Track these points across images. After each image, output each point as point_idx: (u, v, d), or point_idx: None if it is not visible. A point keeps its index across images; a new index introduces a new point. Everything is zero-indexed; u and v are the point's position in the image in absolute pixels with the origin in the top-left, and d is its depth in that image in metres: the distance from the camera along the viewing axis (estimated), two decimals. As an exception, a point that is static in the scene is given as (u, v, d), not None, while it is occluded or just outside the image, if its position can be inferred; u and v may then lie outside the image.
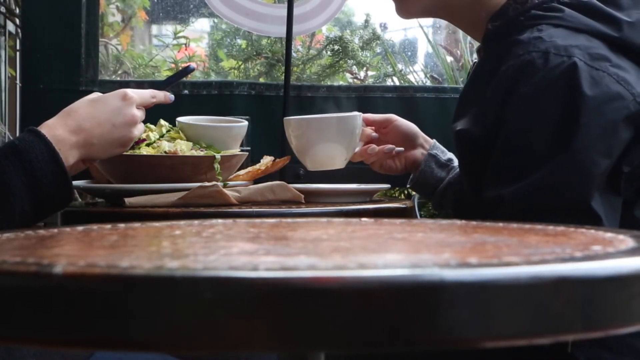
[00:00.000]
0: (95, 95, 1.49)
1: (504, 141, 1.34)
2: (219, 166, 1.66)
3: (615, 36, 1.37)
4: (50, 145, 1.33)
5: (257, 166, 1.81)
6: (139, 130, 1.49)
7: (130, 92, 1.48)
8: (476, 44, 1.64)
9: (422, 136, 1.81)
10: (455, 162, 1.78)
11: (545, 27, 1.38)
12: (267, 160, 1.81)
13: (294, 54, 3.24)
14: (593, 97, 1.29)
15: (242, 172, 1.79)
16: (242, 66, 3.52)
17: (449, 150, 1.81)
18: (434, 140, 1.82)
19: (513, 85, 1.33)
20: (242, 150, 1.78)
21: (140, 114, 1.49)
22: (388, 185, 1.88)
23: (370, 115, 1.78)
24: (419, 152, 1.79)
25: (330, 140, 1.70)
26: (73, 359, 1.34)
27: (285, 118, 1.78)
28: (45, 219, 1.38)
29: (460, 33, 3.53)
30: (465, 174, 1.49)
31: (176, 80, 1.77)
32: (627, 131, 1.31)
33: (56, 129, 1.37)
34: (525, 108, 1.32)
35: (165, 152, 1.67)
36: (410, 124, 1.80)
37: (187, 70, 1.77)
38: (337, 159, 1.72)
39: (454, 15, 1.57)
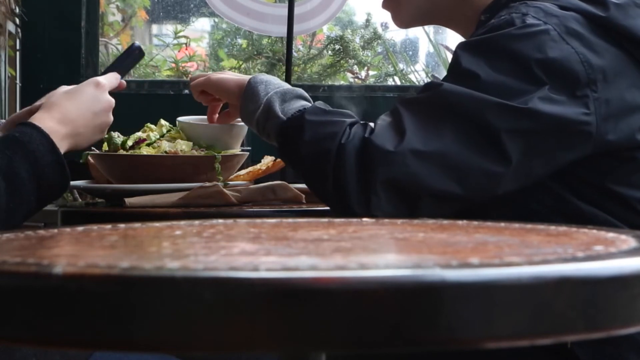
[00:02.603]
0: (66, 87, 1.52)
1: (459, 62, 1.34)
2: (219, 166, 1.66)
3: (602, 16, 1.38)
4: (48, 136, 1.36)
5: (257, 166, 1.81)
6: (111, 115, 1.53)
7: (101, 79, 1.52)
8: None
9: None
10: None
11: (532, 2, 1.40)
12: (267, 160, 1.81)
13: (294, 54, 3.24)
14: (552, 60, 1.31)
15: (243, 172, 1.79)
16: (243, 66, 3.52)
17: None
18: None
19: (485, 34, 1.36)
20: (242, 150, 1.78)
21: (112, 99, 1.52)
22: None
23: None
24: None
25: None
26: (73, 358, 1.34)
27: None
28: (41, 209, 1.39)
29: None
30: None
31: (128, 63, 1.77)
32: None
33: (46, 122, 1.39)
34: (488, 48, 1.34)
35: (165, 152, 1.67)
36: None
37: (132, 49, 1.78)
38: None
39: (447, 19, 1.59)
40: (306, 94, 1.49)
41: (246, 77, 1.55)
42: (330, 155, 1.32)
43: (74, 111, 1.44)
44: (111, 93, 1.55)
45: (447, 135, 1.30)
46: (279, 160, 1.81)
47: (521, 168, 1.32)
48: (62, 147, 1.39)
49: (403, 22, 1.64)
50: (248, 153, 1.80)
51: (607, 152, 1.36)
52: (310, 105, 1.44)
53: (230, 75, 1.62)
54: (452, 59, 1.39)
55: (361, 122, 1.36)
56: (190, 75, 1.70)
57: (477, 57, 1.34)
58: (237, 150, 1.76)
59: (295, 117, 1.40)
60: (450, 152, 1.29)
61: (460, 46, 1.38)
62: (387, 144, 1.28)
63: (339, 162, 1.31)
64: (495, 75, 1.31)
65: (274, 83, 1.50)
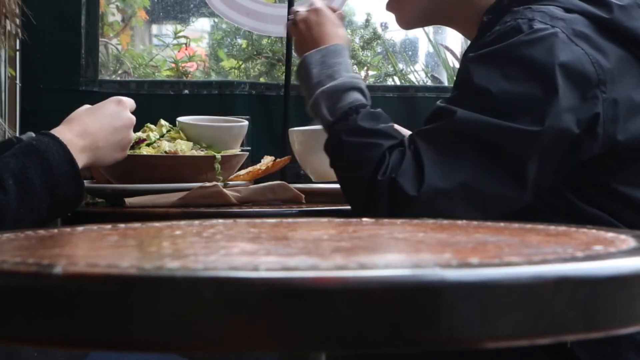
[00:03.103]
0: (87, 105, 1.54)
1: (470, 76, 1.34)
2: (219, 166, 1.66)
3: (606, 18, 1.38)
4: (65, 147, 1.36)
5: (257, 166, 1.81)
6: (132, 133, 1.54)
7: (123, 98, 1.53)
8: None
9: None
10: None
11: (536, 5, 1.40)
12: (267, 160, 1.81)
13: (294, 54, 3.24)
14: (564, 62, 1.31)
15: (243, 172, 1.79)
16: (243, 66, 3.52)
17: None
18: None
19: (494, 43, 1.36)
20: (242, 150, 1.78)
21: (133, 117, 1.53)
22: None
23: None
24: None
25: None
26: (75, 356, 1.35)
27: (289, 129, 1.79)
28: (54, 220, 1.39)
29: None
30: None
31: None
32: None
33: (64, 134, 1.40)
34: (500, 59, 1.34)
35: (165, 152, 1.67)
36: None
37: None
38: None
39: (449, 19, 1.60)
40: (357, 83, 1.47)
41: (323, 41, 1.52)
42: (363, 184, 1.33)
43: (94, 125, 1.45)
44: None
45: (466, 165, 1.30)
46: (278, 160, 1.81)
47: (536, 183, 1.32)
48: (81, 159, 1.40)
49: (406, 23, 1.65)
50: (248, 153, 1.80)
51: (614, 152, 1.36)
52: (357, 100, 1.43)
53: (317, 29, 1.55)
54: (463, 73, 1.38)
55: (400, 145, 1.35)
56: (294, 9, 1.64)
57: (489, 69, 1.33)
58: (236, 150, 1.76)
59: (334, 131, 1.41)
60: (471, 182, 1.29)
61: (471, 60, 1.37)
62: (409, 189, 1.28)
63: (371, 195, 1.32)
64: (509, 85, 1.31)
65: (328, 64, 1.48)
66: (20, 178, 1.30)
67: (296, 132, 1.77)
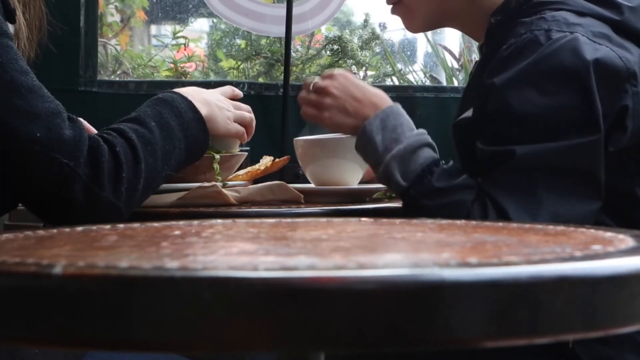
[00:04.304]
0: None
1: (508, 104, 1.34)
2: (218, 166, 1.66)
3: (617, 19, 1.39)
4: (187, 98, 1.48)
5: (256, 166, 1.81)
6: (234, 125, 1.61)
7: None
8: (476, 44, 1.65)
9: None
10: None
11: (548, 12, 1.40)
12: (266, 160, 1.81)
13: (293, 54, 3.24)
14: (595, 62, 1.32)
15: (242, 172, 1.79)
16: (241, 66, 3.52)
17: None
18: None
19: (515, 60, 1.34)
20: (241, 150, 1.78)
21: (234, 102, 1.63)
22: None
23: None
24: None
25: (344, 159, 1.71)
26: (75, 355, 1.35)
27: (294, 139, 1.80)
28: (186, 166, 1.47)
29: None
30: (465, 163, 1.50)
31: None
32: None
33: (180, 91, 1.50)
34: (531, 77, 1.33)
35: (164, 152, 1.67)
36: None
37: None
38: (350, 178, 1.73)
39: (456, 22, 1.60)
40: (424, 139, 1.43)
41: (361, 118, 1.46)
42: None
43: (202, 91, 1.56)
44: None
45: (547, 198, 1.29)
46: (277, 160, 1.81)
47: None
48: (201, 110, 1.49)
49: (417, 27, 1.66)
50: (247, 153, 1.80)
51: (636, 150, 1.37)
52: (428, 159, 1.40)
53: (343, 116, 1.50)
54: (497, 101, 1.35)
55: (479, 197, 1.33)
56: (305, 80, 1.57)
57: (523, 91, 1.32)
58: (236, 150, 1.76)
59: (411, 197, 1.38)
60: (558, 211, 1.29)
61: (501, 86, 1.34)
62: None
63: None
64: (549, 101, 1.31)
65: (390, 127, 1.43)
66: (160, 121, 1.40)
67: (300, 141, 1.78)
